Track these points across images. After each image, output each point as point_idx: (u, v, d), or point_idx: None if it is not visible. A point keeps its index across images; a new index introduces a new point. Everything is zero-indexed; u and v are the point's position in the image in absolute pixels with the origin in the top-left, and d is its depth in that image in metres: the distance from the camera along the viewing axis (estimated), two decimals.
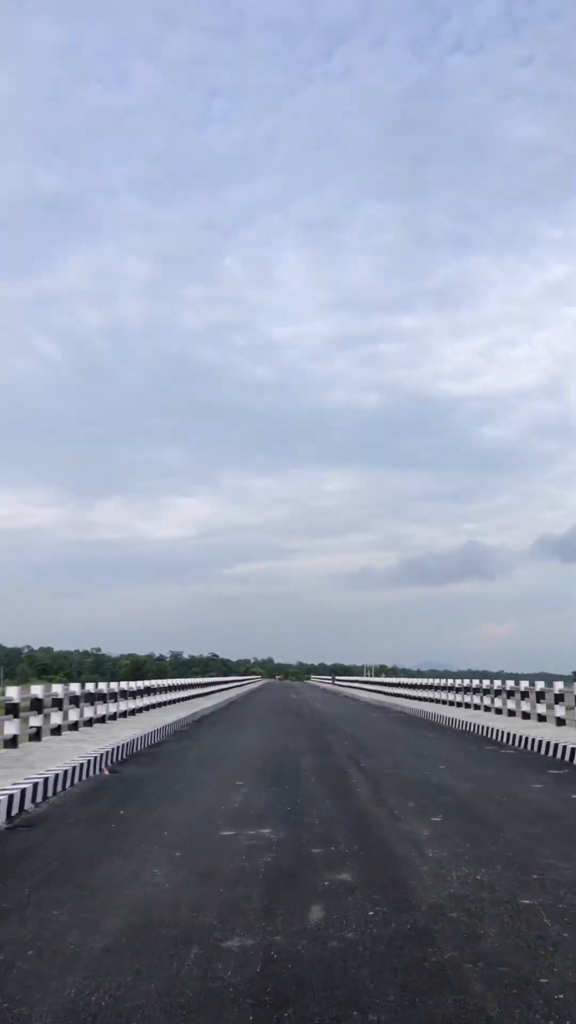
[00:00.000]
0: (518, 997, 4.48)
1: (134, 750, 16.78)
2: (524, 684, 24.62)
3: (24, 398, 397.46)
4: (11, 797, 9.66)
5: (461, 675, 37.57)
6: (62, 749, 14.96)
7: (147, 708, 28.58)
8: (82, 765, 12.81)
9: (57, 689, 18.88)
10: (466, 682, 30.67)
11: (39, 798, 10.63)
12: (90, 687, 20.76)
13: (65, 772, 11.88)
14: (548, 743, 16.42)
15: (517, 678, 27.53)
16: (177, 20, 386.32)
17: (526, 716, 23.95)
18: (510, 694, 25.27)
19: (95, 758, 13.70)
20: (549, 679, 23.98)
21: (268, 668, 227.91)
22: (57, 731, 18.23)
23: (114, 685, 25.22)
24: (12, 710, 15.65)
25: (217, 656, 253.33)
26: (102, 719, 21.71)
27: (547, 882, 6.73)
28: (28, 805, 10.20)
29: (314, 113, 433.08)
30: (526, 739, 17.65)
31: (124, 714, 24.78)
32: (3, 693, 16.95)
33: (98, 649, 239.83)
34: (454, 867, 7.19)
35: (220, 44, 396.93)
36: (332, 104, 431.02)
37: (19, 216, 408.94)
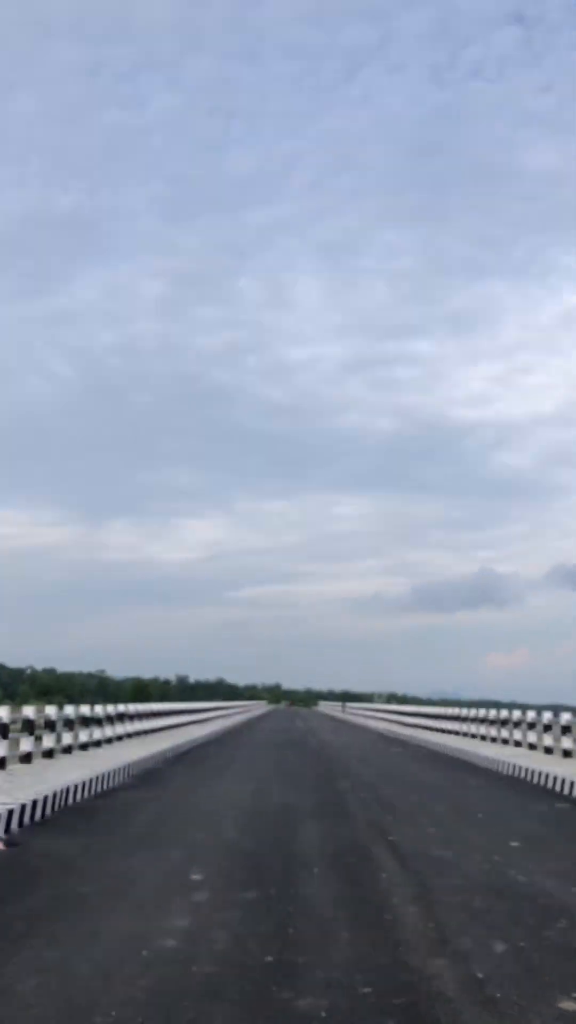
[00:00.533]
0: None
1: (68, 802, 11.84)
2: (566, 717, 19.94)
3: (36, 417, 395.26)
4: None
5: (473, 704, 33.50)
6: None
7: (120, 738, 23.66)
8: None
9: None
10: (502, 713, 25.58)
11: None
12: (29, 712, 15.83)
13: None
14: None
15: (529, 708, 24.63)
16: (197, 44, 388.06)
17: (567, 754, 19.31)
18: (565, 729, 20.21)
19: None
20: (563, 710, 21.50)
21: (275, 694, 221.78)
22: None
23: (69, 710, 20.35)
24: None
25: (224, 680, 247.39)
26: (50, 753, 16.80)
27: None
28: None
29: (333, 138, 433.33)
30: None
31: (85, 746, 19.89)
32: None
33: (103, 671, 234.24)
34: None
35: (240, 68, 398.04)
36: (351, 129, 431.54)
37: (36, 236, 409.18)
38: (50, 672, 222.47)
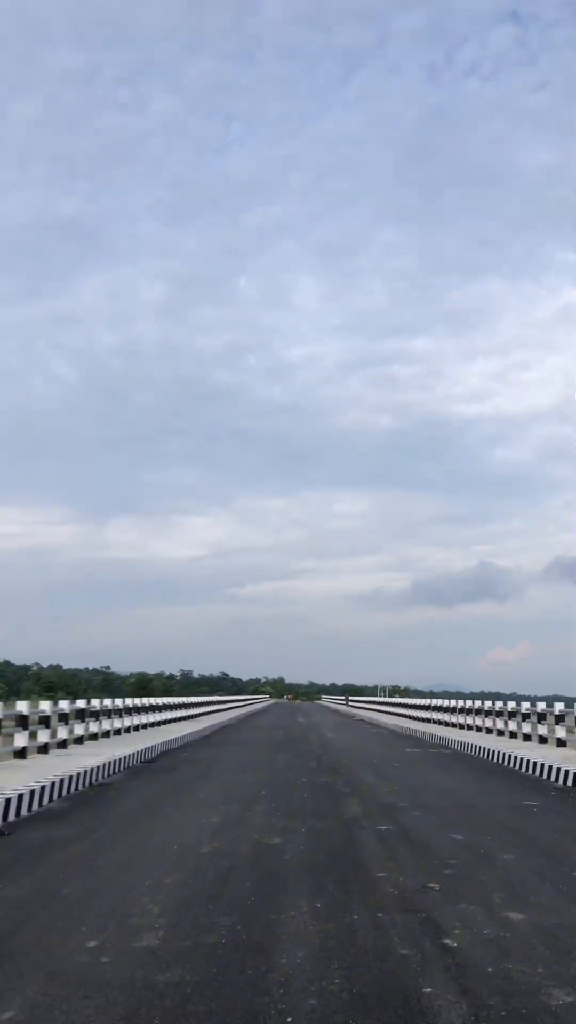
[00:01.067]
0: None
1: None
2: None
3: (40, 418, 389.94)
4: None
5: (474, 697, 31.40)
6: None
7: (95, 736, 19.22)
8: None
9: None
10: (539, 706, 21.06)
11: None
12: None
13: None
14: None
15: (530, 700, 23.09)
16: (195, 47, 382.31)
17: None
18: None
19: None
20: (564, 702, 20.72)
21: (278, 688, 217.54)
22: None
23: (23, 706, 15.99)
24: None
25: (227, 675, 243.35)
26: None
27: None
28: None
29: (330, 139, 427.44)
30: None
31: (45, 748, 15.47)
32: None
33: (107, 667, 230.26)
34: None
35: (238, 70, 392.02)
36: (348, 130, 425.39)
37: (38, 239, 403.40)
38: (56, 669, 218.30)
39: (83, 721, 19.12)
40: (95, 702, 23.04)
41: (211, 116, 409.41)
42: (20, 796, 10.08)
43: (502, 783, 14.17)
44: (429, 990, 4.37)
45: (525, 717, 21.93)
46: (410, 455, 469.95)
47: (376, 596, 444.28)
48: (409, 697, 76.83)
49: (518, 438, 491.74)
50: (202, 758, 18.35)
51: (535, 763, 15.64)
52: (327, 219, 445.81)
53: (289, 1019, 4.00)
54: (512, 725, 23.02)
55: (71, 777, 12.32)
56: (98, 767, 13.92)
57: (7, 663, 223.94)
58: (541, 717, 20.79)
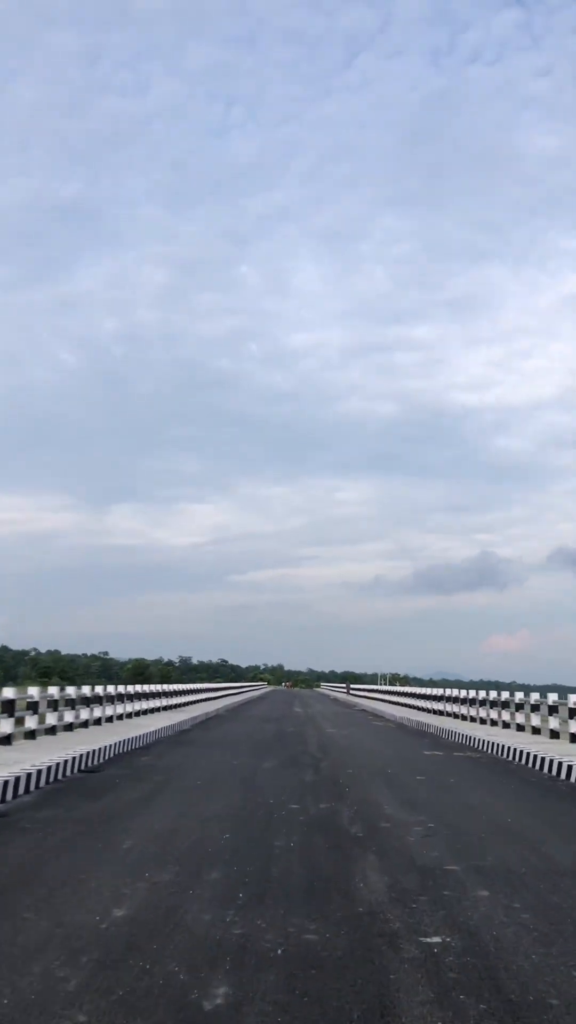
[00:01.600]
0: None
1: None
2: None
3: (41, 404, 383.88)
4: None
5: (474, 686, 28.59)
6: None
7: (33, 735, 14.65)
8: None
9: None
10: None
11: None
12: None
13: None
14: None
15: (529, 690, 21.65)
16: (196, 29, 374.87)
17: None
18: None
19: None
20: (561, 691, 19.39)
21: (277, 675, 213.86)
22: None
23: None
24: None
25: (227, 662, 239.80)
26: None
27: None
28: None
29: (332, 123, 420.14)
30: None
31: None
32: None
33: (106, 653, 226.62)
34: None
35: (239, 53, 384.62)
36: (350, 114, 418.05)
37: (39, 224, 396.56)
38: (55, 654, 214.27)
39: (11, 716, 14.53)
40: (53, 690, 18.55)
41: (212, 100, 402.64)
42: None
43: None
44: None
45: (573, 713, 17.37)
46: (412, 443, 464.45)
47: (377, 584, 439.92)
48: (409, 685, 72.36)
49: (520, 427, 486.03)
50: (164, 765, 13.79)
51: None
52: (329, 204, 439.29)
53: None
54: (554, 722, 18.48)
55: None
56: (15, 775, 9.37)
57: (5, 648, 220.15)
58: None
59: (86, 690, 20.10)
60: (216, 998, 3.97)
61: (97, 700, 21.06)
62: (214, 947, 4.67)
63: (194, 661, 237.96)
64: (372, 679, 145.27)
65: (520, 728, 20.70)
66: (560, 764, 13.16)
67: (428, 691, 32.93)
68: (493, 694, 23.33)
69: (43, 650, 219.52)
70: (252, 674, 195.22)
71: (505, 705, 22.12)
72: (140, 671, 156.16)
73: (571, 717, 17.39)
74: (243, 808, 9.47)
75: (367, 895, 5.84)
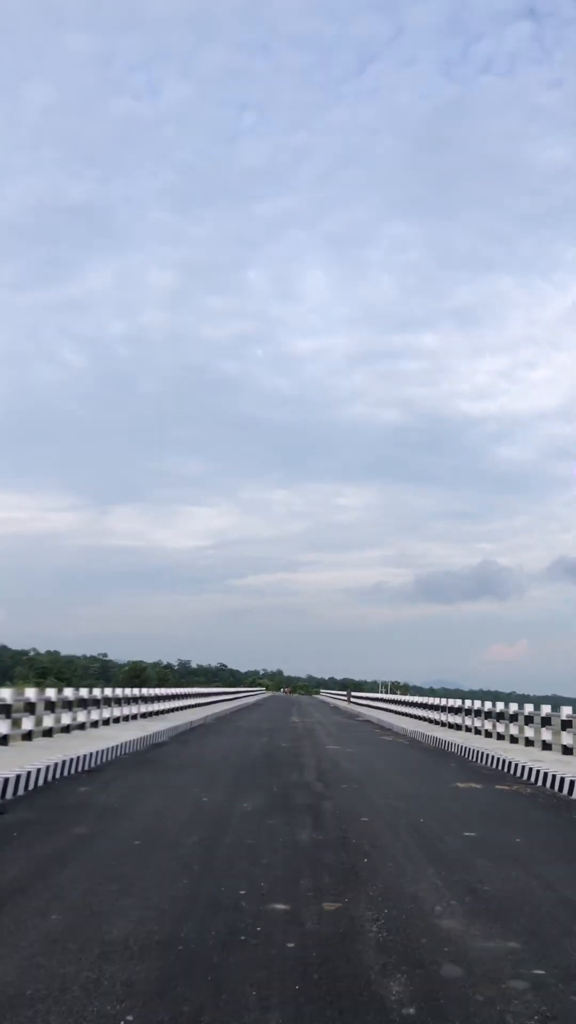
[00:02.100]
0: None
1: None
2: None
3: (46, 404, 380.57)
4: None
5: (473, 696, 27.40)
6: None
7: None
8: None
9: None
10: None
11: None
12: None
13: None
14: None
15: (528, 701, 19.75)
16: (210, 34, 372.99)
17: None
18: None
19: None
20: (560, 703, 18.63)
21: (276, 680, 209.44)
22: None
23: None
24: None
25: (226, 666, 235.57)
26: None
27: None
28: None
29: (343, 130, 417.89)
30: None
31: None
32: None
33: (105, 655, 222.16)
34: None
35: (252, 59, 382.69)
36: (361, 122, 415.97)
37: (48, 224, 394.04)
38: (53, 655, 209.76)
39: None
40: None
41: (223, 104, 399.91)
42: None
43: None
44: None
45: None
46: (415, 450, 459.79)
47: (377, 591, 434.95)
48: (408, 694, 67.98)
49: (523, 436, 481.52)
50: (101, 803, 9.63)
51: None
52: (337, 210, 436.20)
53: None
54: None
55: None
56: None
57: (4, 647, 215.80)
58: None
59: (31, 693, 15.96)
60: None
61: (49, 707, 16.93)
62: None
63: (193, 665, 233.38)
64: (372, 687, 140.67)
65: (566, 750, 16.50)
66: None
67: (440, 702, 28.63)
68: (528, 708, 19.09)
69: (42, 650, 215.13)
70: (251, 679, 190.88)
71: (546, 722, 17.91)
72: (137, 673, 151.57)
73: None
74: (185, 918, 5.29)
75: None
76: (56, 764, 11.82)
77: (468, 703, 24.43)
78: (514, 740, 19.57)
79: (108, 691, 21.23)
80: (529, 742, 18.63)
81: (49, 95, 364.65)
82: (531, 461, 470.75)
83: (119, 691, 22.42)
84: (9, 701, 14.45)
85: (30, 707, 15.55)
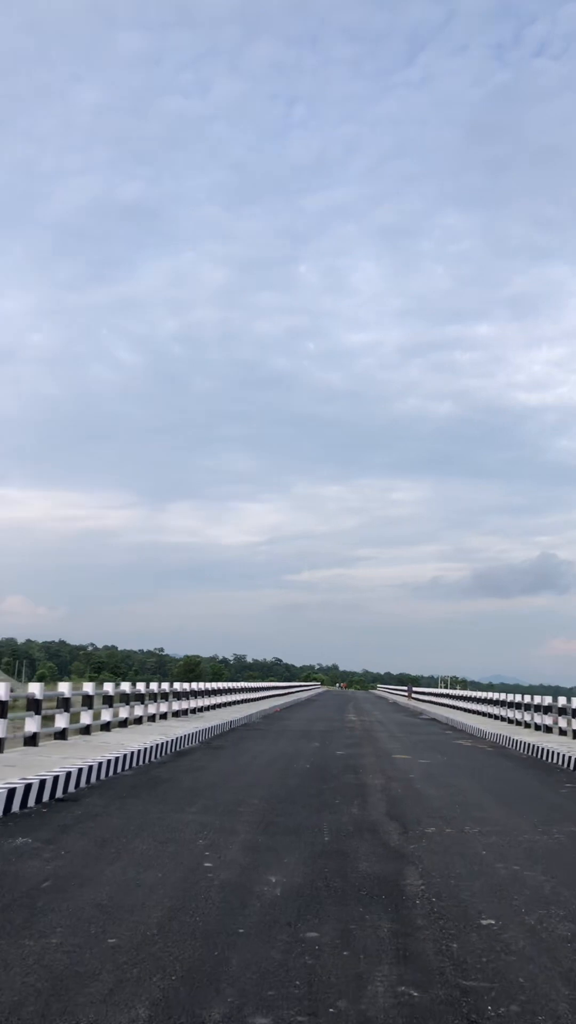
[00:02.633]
0: None
1: None
2: None
3: (102, 403, 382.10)
4: None
5: (533, 691, 24.97)
6: None
7: None
8: None
9: None
10: None
11: None
12: None
13: None
14: None
15: None
16: (258, 29, 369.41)
17: None
18: None
19: None
20: None
21: (332, 675, 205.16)
22: None
23: None
24: None
25: (281, 661, 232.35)
26: None
27: None
28: None
29: (393, 120, 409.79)
30: None
31: None
32: None
33: (161, 649, 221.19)
34: None
35: (300, 52, 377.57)
36: (412, 111, 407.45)
37: (101, 224, 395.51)
38: (111, 649, 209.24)
39: None
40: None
41: (273, 99, 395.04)
42: None
43: None
44: None
45: None
46: (470, 443, 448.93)
47: (433, 585, 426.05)
48: (466, 689, 62.88)
49: None
50: (8, 891, 5.50)
51: None
52: (389, 202, 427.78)
53: None
54: None
55: None
56: None
57: (63, 643, 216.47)
58: None
59: (36, 688, 12.04)
60: None
61: (35, 706, 13.00)
62: None
63: (248, 659, 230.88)
64: (428, 682, 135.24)
65: None
66: None
67: (527, 699, 23.88)
68: None
69: (100, 645, 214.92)
70: (306, 674, 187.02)
71: None
72: (191, 668, 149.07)
73: None
74: None
75: None
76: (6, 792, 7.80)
77: (563, 701, 19.79)
78: None
79: (125, 686, 17.26)
80: None
81: (101, 96, 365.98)
82: None
83: (141, 686, 18.44)
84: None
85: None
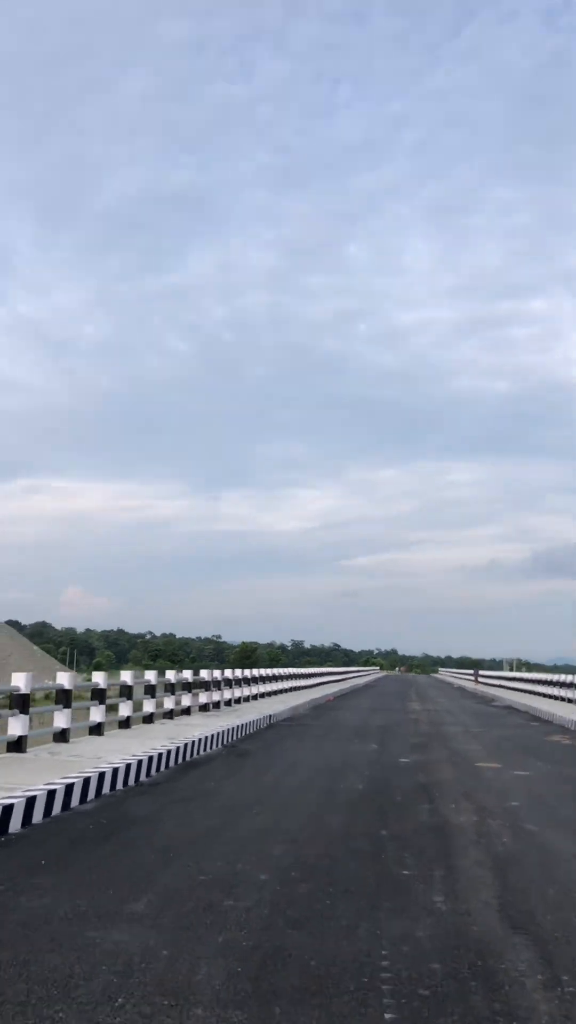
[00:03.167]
0: None
1: None
2: None
3: (154, 393, 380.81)
4: None
5: None
6: None
7: None
8: None
9: None
10: None
11: None
12: None
13: None
14: None
15: None
16: (300, 8, 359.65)
17: None
18: None
19: None
20: None
21: (391, 660, 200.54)
22: None
23: None
24: None
25: (339, 646, 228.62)
26: None
27: None
28: None
29: (442, 94, 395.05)
30: None
31: None
32: None
33: (219, 636, 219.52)
34: None
35: (344, 29, 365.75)
36: (460, 85, 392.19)
37: (150, 212, 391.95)
38: (169, 637, 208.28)
39: None
40: None
41: (317, 79, 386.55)
42: None
43: None
44: None
45: None
46: (527, 421, 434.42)
47: (493, 567, 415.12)
48: (531, 672, 57.92)
49: None
50: None
51: None
52: (439, 178, 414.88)
53: None
54: None
55: None
56: None
57: (121, 631, 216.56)
58: None
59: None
60: None
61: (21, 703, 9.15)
62: None
63: (306, 645, 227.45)
64: (491, 664, 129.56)
65: None
66: None
67: None
68: None
69: (158, 633, 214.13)
70: (364, 659, 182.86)
71: None
72: (248, 654, 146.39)
73: None
74: None
75: None
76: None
77: None
78: None
79: (126, 675, 13.39)
80: None
81: (146, 84, 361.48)
82: None
83: (149, 675, 14.57)
84: None
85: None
